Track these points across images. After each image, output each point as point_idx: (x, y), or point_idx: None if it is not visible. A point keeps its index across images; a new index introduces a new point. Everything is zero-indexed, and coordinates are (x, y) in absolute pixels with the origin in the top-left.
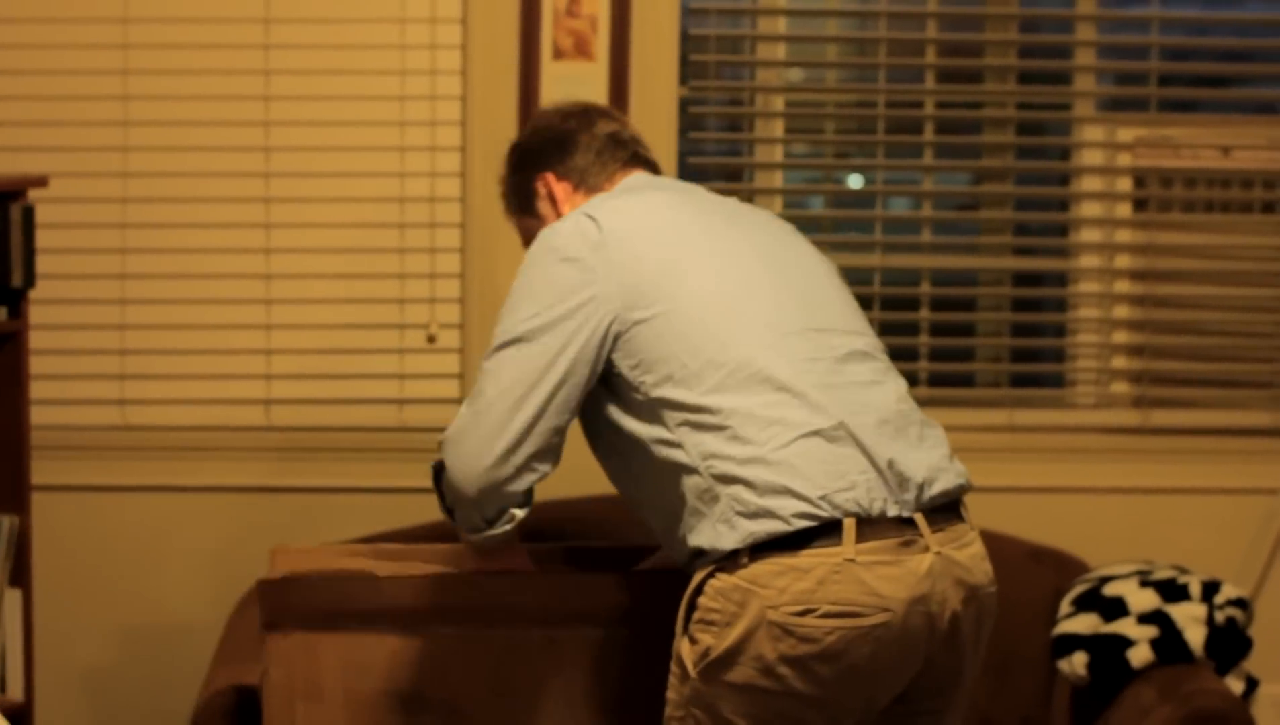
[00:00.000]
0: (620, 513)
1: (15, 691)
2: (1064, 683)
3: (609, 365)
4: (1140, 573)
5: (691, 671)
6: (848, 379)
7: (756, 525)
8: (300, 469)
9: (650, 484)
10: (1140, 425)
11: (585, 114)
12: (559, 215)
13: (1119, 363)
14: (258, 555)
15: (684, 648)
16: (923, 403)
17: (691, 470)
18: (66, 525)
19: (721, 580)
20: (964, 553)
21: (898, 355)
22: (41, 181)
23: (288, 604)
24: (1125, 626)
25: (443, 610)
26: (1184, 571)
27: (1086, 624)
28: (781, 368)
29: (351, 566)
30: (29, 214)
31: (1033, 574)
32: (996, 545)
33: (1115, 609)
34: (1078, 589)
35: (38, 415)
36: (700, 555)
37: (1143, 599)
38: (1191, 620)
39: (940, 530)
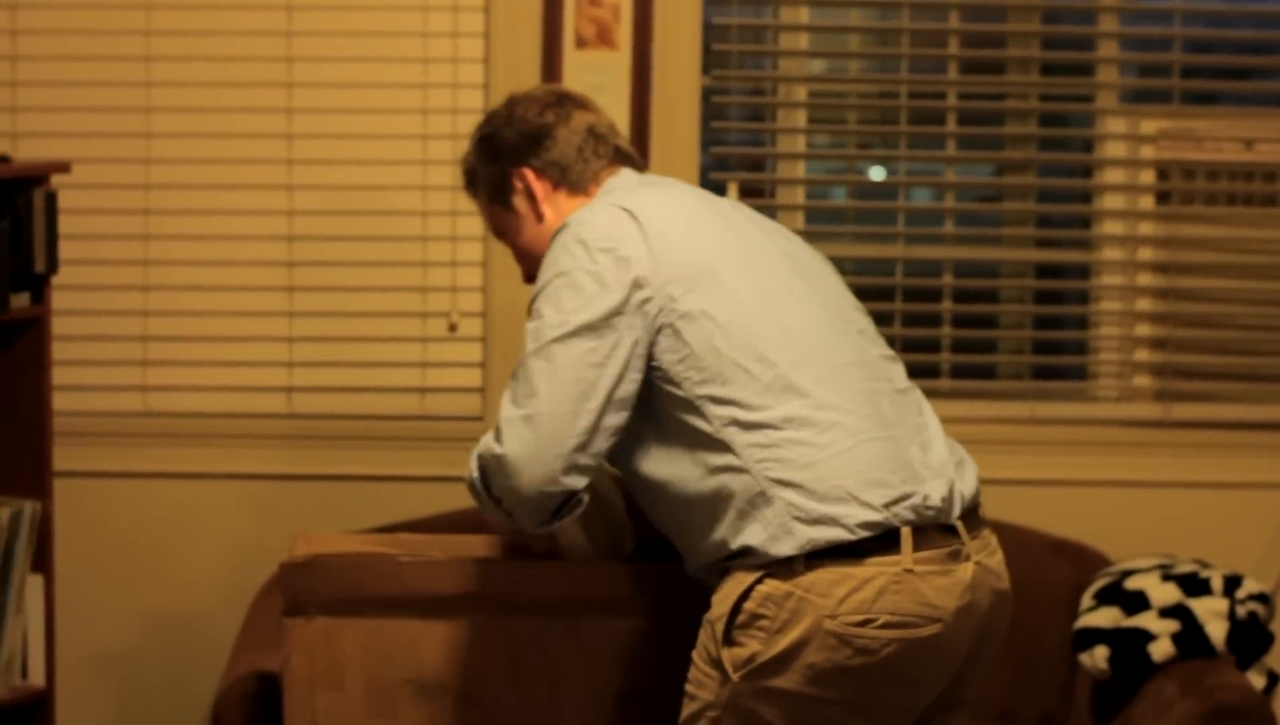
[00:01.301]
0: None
1: (37, 677)
2: (1085, 676)
3: (650, 360)
4: (1162, 567)
5: (733, 675)
6: (887, 384)
7: (817, 532)
8: (322, 457)
9: (682, 486)
10: (1162, 418)
11: (561, 105)
12: (538, 214)
13: (1141, 356)
14: (279, 542)
15: (724, 651)
16: (944, 394)
17: (741, 471)
18: (88, 511)
19: (772, 586)
20: (994, 559)
21: (919, 346)
22: (64, 167)
23: (310, 588)
24: (1146, 620)
25: (464, 598)
26: (1205, 566)
27: (1108, 618)
28: (830, 372)
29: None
30: (52, 200)
31: (1054, 567)
32: (1018, 538)
33: (1137, 603)
34: (1099, 583)
35: (60, 401)
36: (740, 556)
37: (1164, 593)
38: (1213, 615)
39: (976, 538)
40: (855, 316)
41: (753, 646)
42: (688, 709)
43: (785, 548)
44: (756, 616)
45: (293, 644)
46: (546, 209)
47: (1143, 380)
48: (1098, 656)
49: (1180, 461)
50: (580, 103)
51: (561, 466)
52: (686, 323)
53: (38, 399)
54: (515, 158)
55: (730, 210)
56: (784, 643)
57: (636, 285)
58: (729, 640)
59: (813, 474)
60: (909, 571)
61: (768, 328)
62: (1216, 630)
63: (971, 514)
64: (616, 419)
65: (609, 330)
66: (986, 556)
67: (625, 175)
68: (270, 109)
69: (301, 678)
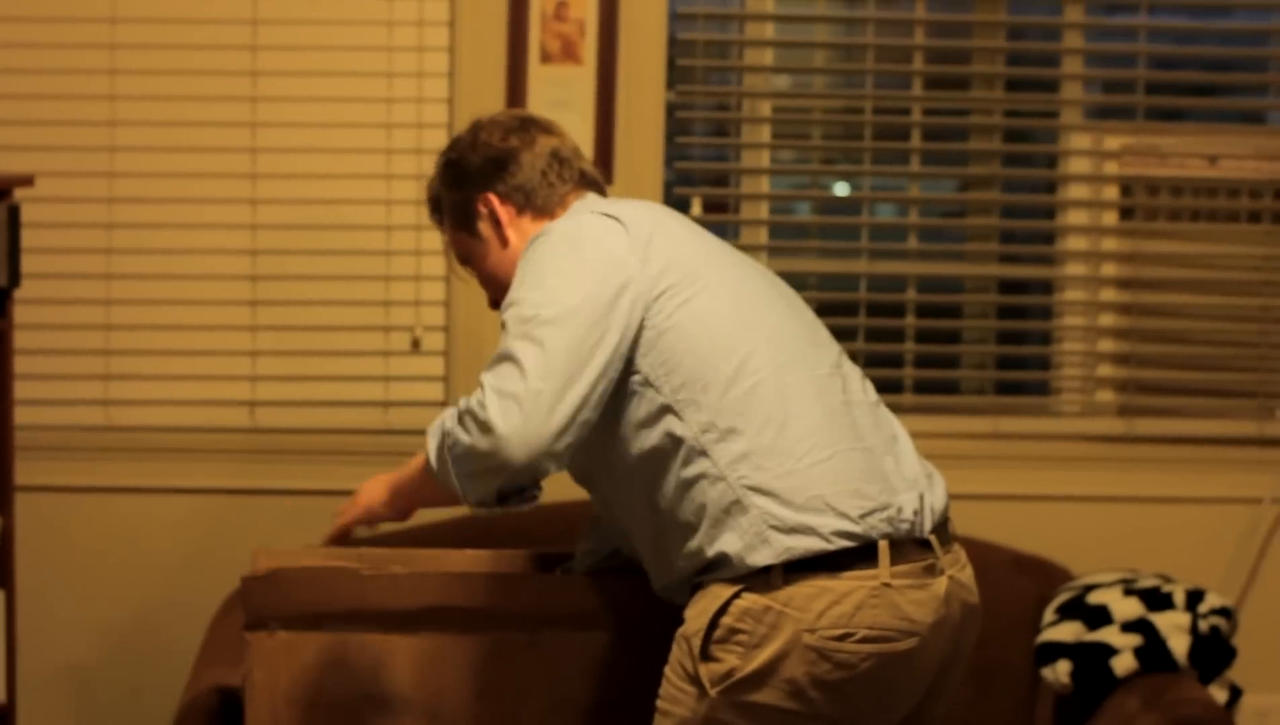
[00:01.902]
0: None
1: None
2: (1047, 691)
3: (629, 363)
4: (1124, 581)
5: (710, 690)
6: (860, 397)
7: (793, 541)
8: (285, 471)
9: (649, 493)
10: (1125, 433)
11: (525, 130)
12: (502, 239)
13: (1104, 371)
14: (242, 557)
15: (701, 667)
16: (907, 409)
17: (716, 479)
18: (50, 526)
19: (750, 600)
20: (964, 573)
21: (882, 361)
22: (28, 181)
23: (271, 603)
24: (1109, 635)
25: (426, 612)
26: (1168, 580)
27: (1070, 632)
28: (809, 383)
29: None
30: (15, 213)
31: (1016, 582)
32: (980, 553)
33: (1099, 617)
34: (1061, 597)
35: (22, 415)
36: (715, 567)
37: (1127, 607)
38: (1175, 629)
39: (948, 552)
40: (825, 333)
41: (731, 661)
42: (660, 724)
43: (762, 557)
44: (735, 631)
45: (254, 659)
46: (511, 233)
47: (1106, 395)
48: (1060, 671)
49: (1143, 477)
50: (544, 127)
51: (543, 447)
52: (668, 326)
53: None
54: (480, 183)
55: (702, 230)
56: (763, 657)
57: (623, 283)
58: (706, 655)
59: (789, 483)
60: (886, 585)
61: (748, 335)
62: (1179, 645)
63: (943, 528)
64: (591, 414)
65: (595, 324)
66: (958, 571)
67: (591, 199)
68: (235, 122)
69: (263, 692)
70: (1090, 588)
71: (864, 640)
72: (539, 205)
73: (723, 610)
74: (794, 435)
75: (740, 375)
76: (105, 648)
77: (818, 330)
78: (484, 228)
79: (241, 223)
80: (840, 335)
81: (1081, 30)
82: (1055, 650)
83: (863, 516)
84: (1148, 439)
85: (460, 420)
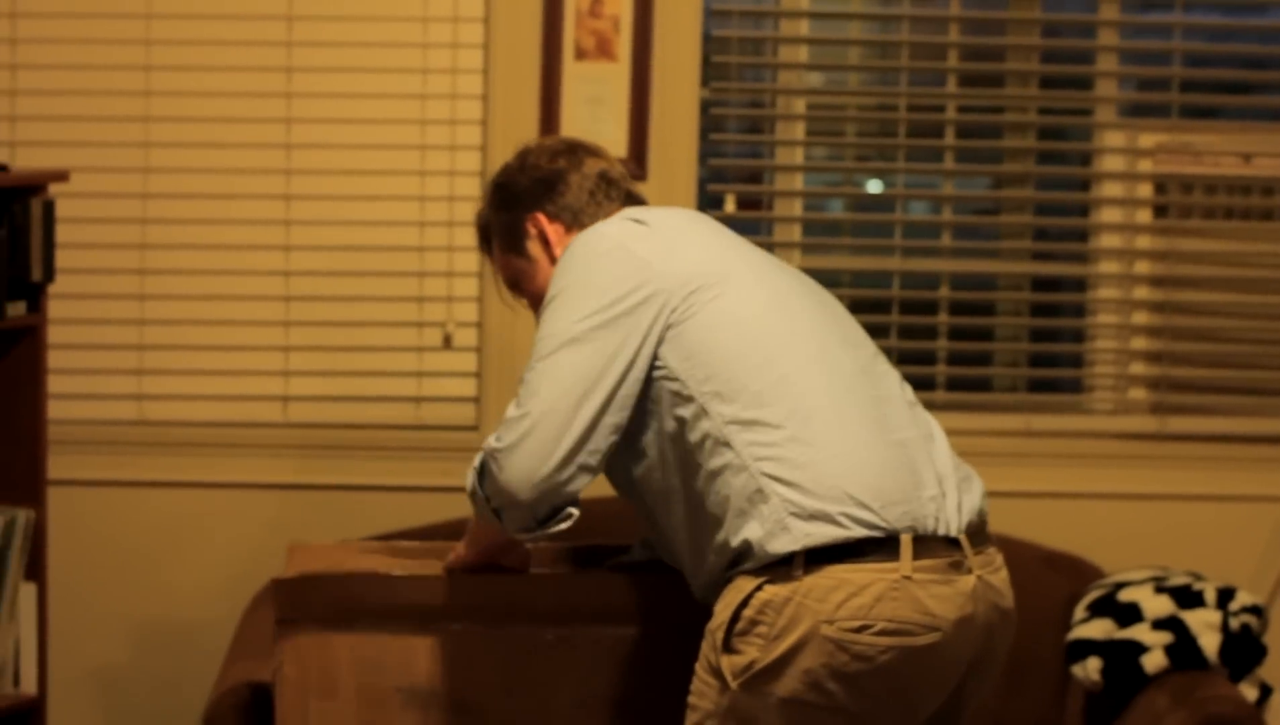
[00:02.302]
0: (626, 511)
1: (29, 685)
2: (1078, 688)
3: (655, 360)
4: (1155, 579)
5: (732, 683)
6: (895, 394)
7: (813, 528)
8: (317, 466)
9: (683, 488)
10: (1157, 432)
11: (573, 152)
12: (551, 257)
13: (1137, 369)
14: (273, 552)
15: (723, 659)
16: (940, 406)
17: (739, 469)
18: (82, 520)
19: (770, 593)
20: (997, 577)
21: (916, 358)
22: (63, 176)
23: (302, 602)
24: (1140, 632)
25: (456, 609)
26: (1199, 578)
27: (1101, 629)
28: (837, 378)
29: (367, 564)
30: (49, 208)
31: (1048, 579)
32: (1012, 550)
33: (1130, 615)
34: (1092, 594)
35: (55, 410)
36: (741, 560)
37: (1157, 605)
38: (1206, 627)
39: (979, 553)
40: (862, 335)
41: (751, 653)
42: (690, 719)
43: (781, 544)
44: (755, 623)
45: (285, 653)
46: (560, 252)
47: (1138, 393)
48: (1090, 668)
49: (1175, 474)
50: (591, 150)
51: (557, 465)
52: (695, 323)
53: (33, 407)
54: (529, 203)
55: (735, 235)
56: (781, 648)
57: (644, 286)
58: (728, 648)
59: (810, 473)
60: (907, 578)
61: (777, 332)
62: (1209, 642)
63: (976, 530)
64: (616, 418)
65: (613, 329)
66: (989, 573)
67: (627, 210)
68: (269, 119)
69: (294, 687)
70: (1121, 585)
71: (882, 633)
72: (586, 224)
73: (745, 603)
74: (818, 427)
75: (766, 369)
76: (136, 642)
77: (850, 328)
78: (533, 247)
79: (276, 219)
80: (873, 332)
81: (1116, 28)
82: (1086, 647)
83: (884, 507)
84: (1180, 437)
85: (482, 461)
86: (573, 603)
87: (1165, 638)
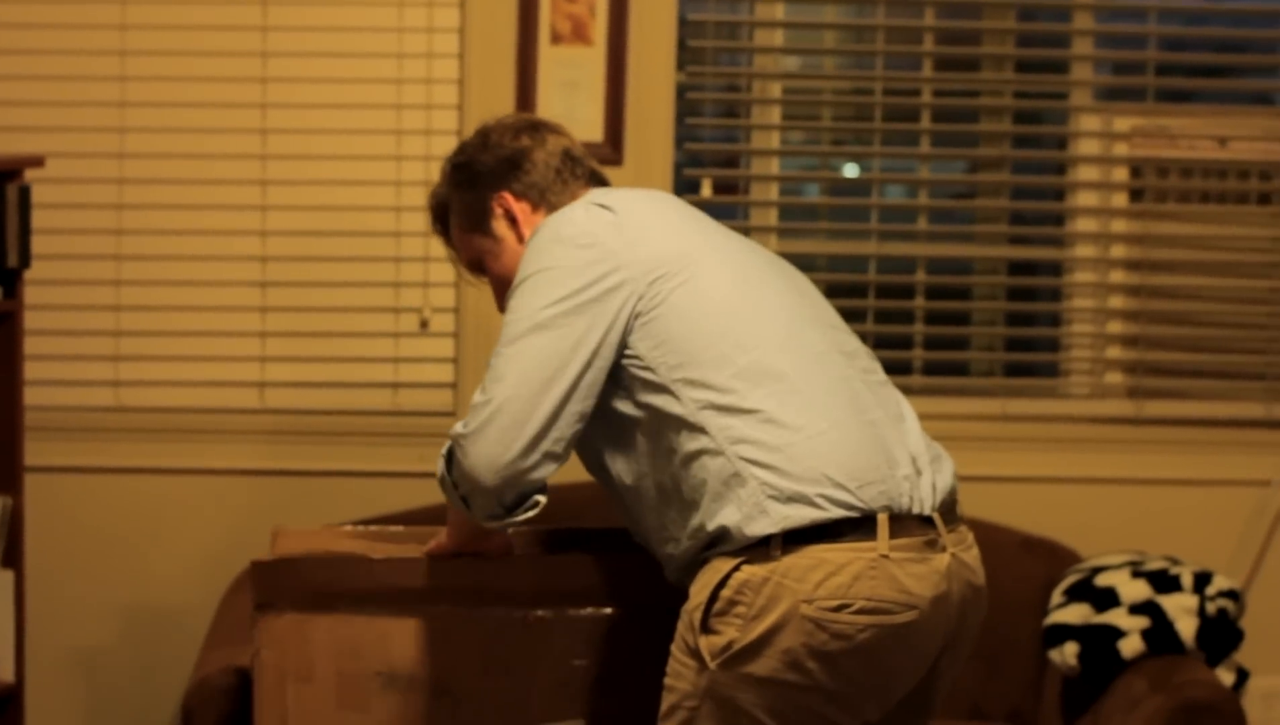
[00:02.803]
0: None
1: (6, 672)
2: (1055, 673)
3: (623, 347)
4: (1132, 563)
5: (710, 663)
6: (866, 374)
7: (791, 510)
8: (294, 452)
9: (657, 474)
10: (1134, 416)
11: (536, 130)
12: (519, 236)
13: (1113, 353)
14: (251, 537)
15: (701, 640)
16: (916, 391)
17: (715, 453)
18: (60, 506)
19: (748, 572)
20: (969, 554)
21: (892, 343)
22: (38, 161)
23: (281, 585)
24: (1117, 617)
25: (434, 591)
26: (1176, 562)
27: (1078, 614)
28: (807, 358)
29: (348, 548)
30: (25, 194)
31: (1024, 564)
32: (988, 534)
33: (1107, 599)
34: (1069, 579)
35: (32, 396)
36: (717, 542)
37: (1134, 589)
38: (1183, 611)
39: (953, 531)
40: (833, 315)
41: (729, 633)
42: (666, 701)
43: (760, 527)
44: (733, 603)
45: (263, 638)
46: (528, 231)
47: (1115, 377)
48: (1068, 653)
49: (1151, 458)
50: (553, 128)
51: (521, 451)
52: (664, 308)
53: (9, 393)
54: (494, 182)
55: (704, 217)
56: (760, 628)
57: (611, 273)
58: (706, 628)
59: (786, 455)
60: (885, 557)
61: (745, 313)
62: (1186, 627)
63: (948, 508)
64: (581, 406)
65: (579, 315)
66: (962, 551)
67: (594, 192)
68: (244, 104)
69: (272, 671)
70: (1098, 570)
71: (861, 611)
72: (553, 202)
73: (723, 583)
74: (792, 408)
75: (737, 352)
76: (114, 627)
77: (822, 309)
78: (499, 226)
79: (251, 204)
80: (849, 317)
81: (1091, 11)
82: (1063, 632)
83: (860, 488)
84: (1156, 421)
85: (449, 448)
86: (550, 585)
87: (1142, 622)
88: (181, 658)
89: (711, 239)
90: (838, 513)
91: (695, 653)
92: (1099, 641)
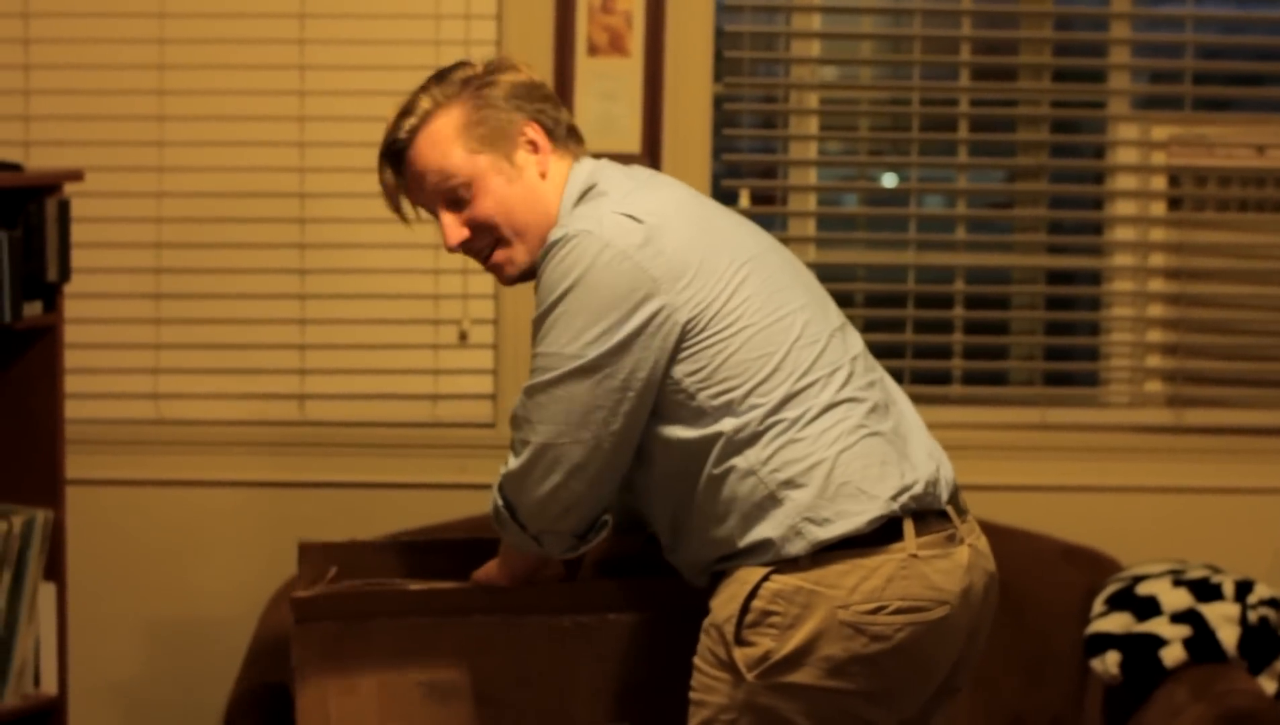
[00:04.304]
0: None
1: (49, 685)
2: (1096, 682)
3: (664, 373)
4: (1173, 572)
5: (747, 675)
6: (871, 374)
7: (827, 531)
8: (334, 464)
9: (683, 487)
10: (1174, 424)
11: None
12: (541, 174)
13: (1153, 361)
14: (291, 549)
15: (736, 652)
16: (956, 401)
17: (747, 473)
18: (100, 519)
19: (780, 582)
20: (981, 542)
21: (931, 352)
22: (77, 176)
23: (320, 603)
24: (1158, 626)
25: (473, 603)
26: (1217, 571)
27: (1119, 623)
28: (834, 369)
29: (378, 561)
30: (64, 208)
31: (1065, 573)
32: (1030, 543)
33: (1148, 608)
34: (1111, 588)
35: (72, 409)
36: (747, 554)
37: (1176, 598)
38: (1224, 620)
39: (964, 521)
40: (830, 305)
41: (765, 644)
42: (697, 716)
43: (797, 548)
44: (767, 614)
45: (304, 651)
46: (549, 172)
47: (1154, 386)
48: (1109, 662)
49: (1191, 467)
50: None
51: (582, 492)
52: (703, 336)
53: (50, 407)
54: (526, 108)
55: (713, 209)
56: (799, 638)
57: (649, 300)
58: (740, 640)
59: (820, 473)
60: (914, 557)
61: (778, 336)
62: (1228, 635)
63: (956, 498)
64: (632, 436)
65: (623, 354)
66: (975, 539)
67: (610, 180)
68: (283, 117)
69: (313, 683)
70: (1139, 579)
71: (897, 612)
72: (561, 154)
73: (754, 594)
74: (821, 425)
75: (772, 372)
76: (155, 641)
77: (828, 305)
78: (521, 156)
79: (290, 217)
80: (888, 327)
81: (1129, 20)
82: (1104, 641)
83: (894, 497)
84: (1196, 429)
85: (507, 496)
86: (588, 594)
87: (1184, 631)
88: (223, 670)
89: (736, 241)
90: (868, 519)
91: (729, 665)
92: (1141, 650)
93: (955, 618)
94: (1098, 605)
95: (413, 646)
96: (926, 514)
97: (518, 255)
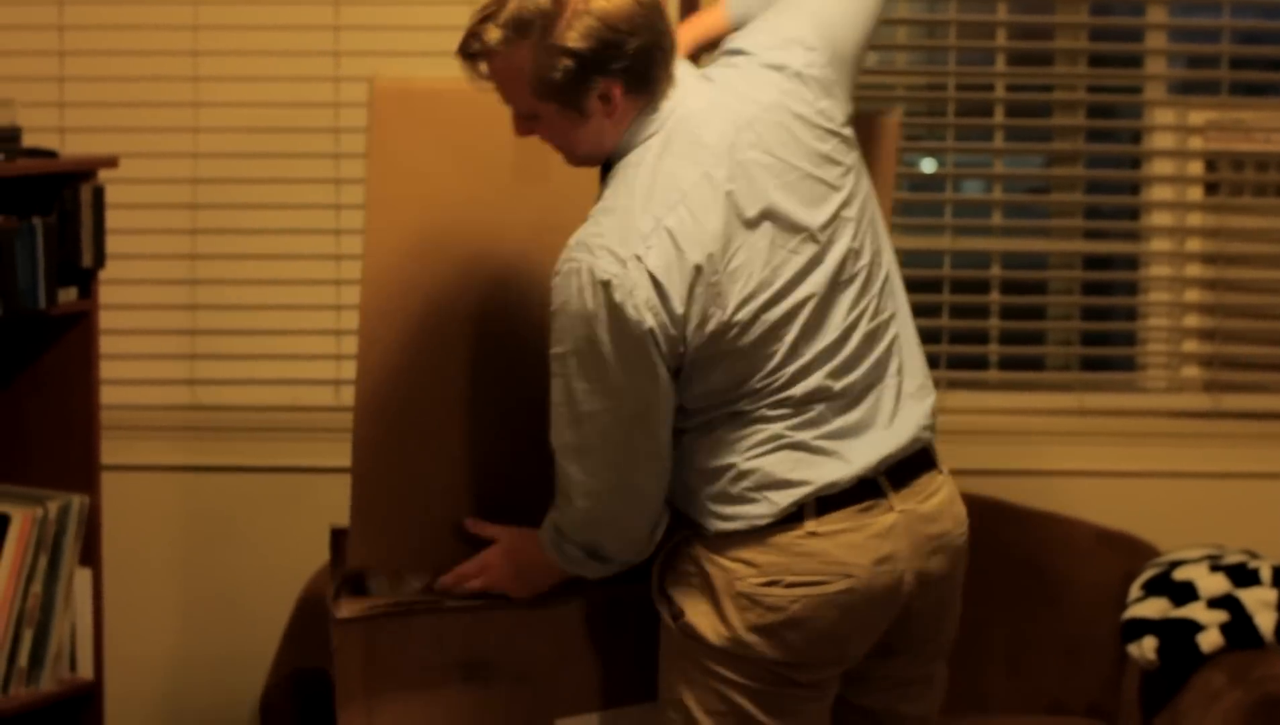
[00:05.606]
0: None
1: (85, 670)
2: (1134, 667)
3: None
4: (1210, 557)
5: (671, 625)
6: (859, 338)
7: (728, 525)
8: None
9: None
10: (1211, 409)
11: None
12: (608, 115)
13: (1189, 346)
14: (327, 535)
15: (661, 604)
16: (993, 386)
17: (681, 467)
18: (136, 505)
19: (694, 548)
20: (930, 503)
21: (968, 338)
22: (112, 162)
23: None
24: (1195, 611)
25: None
26: (1254, 556)
27: (1156, 608)
28: (809, 379)
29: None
30: (99, 194)
31: (1102, 558)
32: (1066, 529)
33: (1185, 593)
34: (1147, 573)
35: (107, 395)
36: (678, 517)
37: (1213, 584)
38: (1262, 605)
39: (905, 487)
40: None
41: (680, 602)
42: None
43: (708, 527)
44: (684, 574)
45: (342, 635)
46: (627, 119)
47: (1191, 371)
48: (1146, 647)
49: (1229, 452)
50: None
51: (642, 518)
52: (701, 365)
53: (85, 393)
54: (598, 60)
55: (729, 142)
56: (703, 603)
57: (663, 342)
58: (663, 592)
59: (730, 476)
60: (813, 534)
61: (752, 357)
62: (1265, 621)
63: (913, 461)
64: (669, 434)
65: (637, 390)
66: (919, 503)
67: (650, 150)
68: (319, 103)
69: (352, 668)
70: (1176, 564)
71: (791, 585)
72: (634, 93)
73: (675, 551)
74: (749, 438)
75: (741, 399)
76: (191, 626)
77: (838, 260)
78: (595, 118)
79: (326, 203)
80: (924, 312)
81: (1165, 4)
82: (1141, 626)
83: (794, 503)
84: (1234, 414)
85: (584, 541)
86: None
87: (1221, 616)
88: (260, 655)
89: (751, 221)
90: (771, 515)
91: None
92: (1177, 636)
93: (864, 589)
94: (1134, 590)
95: (451, 629)
96: (841, 494)
97: (575, 161)
